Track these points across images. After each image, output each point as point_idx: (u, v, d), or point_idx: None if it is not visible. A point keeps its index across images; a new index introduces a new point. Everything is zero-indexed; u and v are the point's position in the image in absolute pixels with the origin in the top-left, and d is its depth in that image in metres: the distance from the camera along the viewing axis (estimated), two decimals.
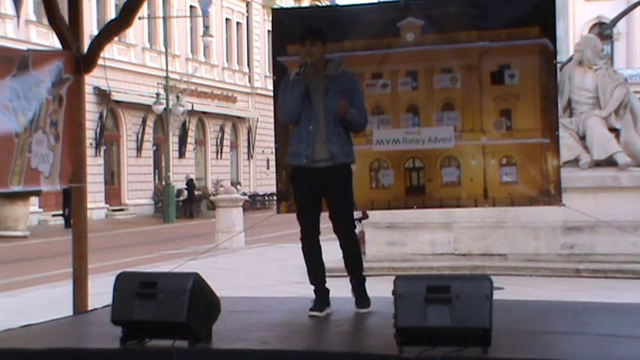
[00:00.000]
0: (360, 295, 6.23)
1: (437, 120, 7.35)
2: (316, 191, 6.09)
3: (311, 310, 6.05)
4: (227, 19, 42.50)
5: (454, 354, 4.45)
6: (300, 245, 6.25)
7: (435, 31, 7.26)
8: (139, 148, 34.51)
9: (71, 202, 7.35)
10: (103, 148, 32.16)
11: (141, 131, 34.52)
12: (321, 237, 6.20)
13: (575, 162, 11.49)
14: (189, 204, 34.10)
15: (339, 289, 6.31)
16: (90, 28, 26.24)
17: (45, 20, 14.33)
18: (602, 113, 11.76)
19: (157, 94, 32.80)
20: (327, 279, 6.23)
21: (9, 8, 26.52)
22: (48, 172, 6.52)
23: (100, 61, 7.05)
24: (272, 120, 7.73)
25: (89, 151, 24.83)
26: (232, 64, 43.16)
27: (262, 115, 41.63)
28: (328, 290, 6.19)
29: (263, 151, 42.83)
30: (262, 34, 44.35)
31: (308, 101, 6.00)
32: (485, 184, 7.30)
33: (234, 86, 42.65)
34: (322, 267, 6.23)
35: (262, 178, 43.06)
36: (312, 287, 6.21)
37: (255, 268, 12.74)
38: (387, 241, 11.46)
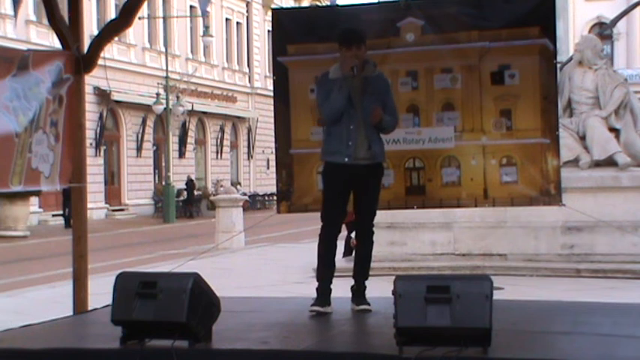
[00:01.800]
0: (361, 298, 6.27)
1: (437, 120, 7.35)
2: (348, 189, 6.19)
3: (312, 305, 6.07)
4: (227, 19, 42.50)
5: (454, 354, 4.45)
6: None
7: (435, 31, 7.27)
8: (139, 148, 34.52)
9: (71, 202, 7.35)
10: (103, 148, 32.16)
11: (141, 131, 34.52)
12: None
13: (575, 162, 11.49)
14: (189, 204, 34.11)
15: (340, 289, 6.31)
16: (90, 28, 26.23)
17: (45, 20, 14.34)
18: (602, 113, 11.76)
19: (157, 94, 32.80)
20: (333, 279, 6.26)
21: (9, 8, 26.52)
22: (48, 172, 6.52)
23: (100, 61, 7.05)
24: (272, 120, 7.73)
25: (89, 151, 24.81)
26: (232, 64, 43.16)
27: (262, 115, 41.64)
28: (331, 290, 6.21)
29: (263, 151, 42.84)
30: (262, 34, 44.36)
31: (349, 102, 6.09)
32: (486, 184, 7.30)
33: (234, 86, 42.65)
34: (333, 267, 6.26)
35: (262, 178, 43.07)
36: (316, 285, 6.22)
37: (255, 268, 12.73)
38: (387, 241, 11.44)
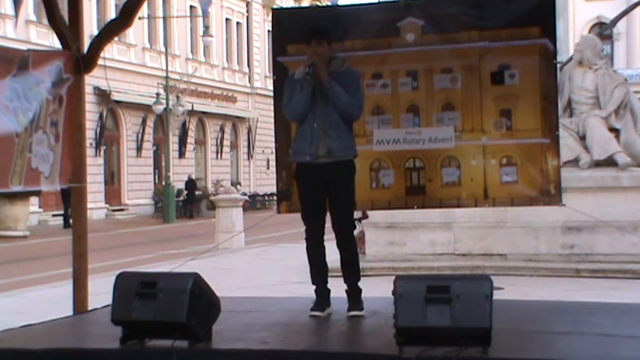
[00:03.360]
0: (353, 302, 6.14)
1: (437, 120, 7.35)
2: (320, 189, 6.09)
3: (312, 310, 6.05)
4: (227, 19, 42.50)
5: (454, 354, 4.45)
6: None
7: (435, 31, 7.26)
8: (139, 148, 34.52)
9: (71, 202, 7.36)
10: (103, 148, 32.16)
11: (141, 131, 34.53)
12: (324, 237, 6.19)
13: (575, 162, 11.49)
14: (190, 204, 34.10)
15: (339, 289, 6.30)
16: (90, 28, 26.23)
17: (45, 20, 14.33)
18: (602, 113, 11.76)
19: (157, 94, 32.80)
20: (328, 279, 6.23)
21: (9, 8, 26.51)
22: (48, 172, 6.53)
23: (100, 61, 7.05)
24: (272, 120, 7.73)
25: (89, 151, 24.83)
26: (232, 64, 43.15)
27: (262, 115, 41.64)
28: (329, 290, 6.19)
29: (263, 151, 42.84)
30: (262, 34, 44.36)
31: (313, 100, 6.03)
32: (486, 184, 7.30)
33: (234, 86, 42.65)
34: (325, 267, 6.21)
35: (262, 178, 43.06)
36: (314, 287, 6.20)
37: (255, 268, 12.74)
38: (387, 241, 11.45)
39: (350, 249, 6.25)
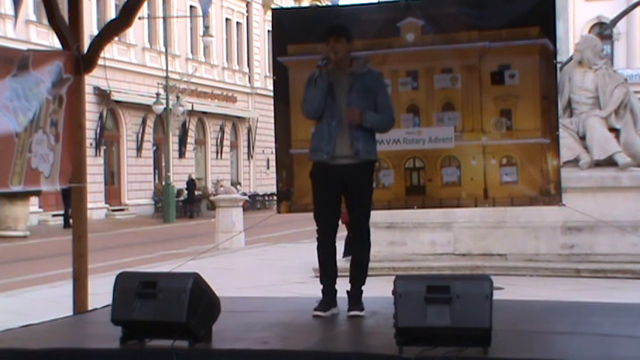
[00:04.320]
0: (354, 302, 6.11)
1: (437, 120, 7.35)
2: (335, 189, 6.05)
3: (315, 309, 6.01)
4: (227, 19, 42.51)
5: (454, 354, 4.45)
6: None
7: (435, 31, 7.27)
8: (139, 148, 34.52)
9: (71, 202, 7.36)
10: (103, 148, 32.16)
11: (141, 131, 34.53)
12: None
13: (575, 162, 11.49)
14: (190, 204, 34.11)
15: (340, 289, 6.29)
16: (90, 28, 26.23)
17: (45, 20, 14.34)
18: (602, 113, 11.76)
19: (157, 94, 32.80)
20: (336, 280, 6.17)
21: (9, 8, 26.52)
22: (48, 172, 6.53)
23: (100, 61, 7.05)
24: (272, 120, 7.74)
25: (89, 151, 24.83)
26: (232, 64, 43.16)
27: (262, 115, 41.66)
28: (336, 291, 6.14)
29: (263, 151, 42.85)
30: (262, 34, 44.36)
31: (331, 98, 5.97)
32: (486, 184, 7.30)
33: (234, 86, 42.65)
34: (335, 268, 6.16)
35: (262, 178, 43.07)
36: (321, 286, 6.14)
37: (255, 268, 12.73)
38: (387, 241, 11.45)
39: (364, 250, 6.22)
